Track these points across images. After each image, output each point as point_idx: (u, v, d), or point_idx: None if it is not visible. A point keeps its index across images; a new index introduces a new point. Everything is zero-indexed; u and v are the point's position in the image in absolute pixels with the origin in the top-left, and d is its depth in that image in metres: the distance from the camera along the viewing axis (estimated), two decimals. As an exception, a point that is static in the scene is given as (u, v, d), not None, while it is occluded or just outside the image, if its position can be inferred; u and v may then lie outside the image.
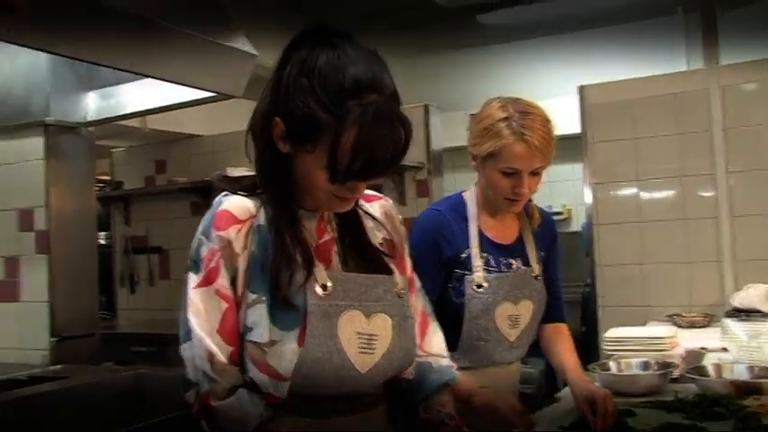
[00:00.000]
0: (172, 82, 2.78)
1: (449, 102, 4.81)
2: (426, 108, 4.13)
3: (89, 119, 3.26)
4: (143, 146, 5.04)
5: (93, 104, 3.28)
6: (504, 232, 1.98)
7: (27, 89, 3.21)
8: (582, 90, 3.57)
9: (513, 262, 1.95)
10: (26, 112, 3.18)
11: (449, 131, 4.43)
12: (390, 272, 1.39)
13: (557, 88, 4.24)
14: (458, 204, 1.97)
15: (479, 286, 1.87)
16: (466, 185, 2.06)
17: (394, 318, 1.35)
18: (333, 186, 1.25)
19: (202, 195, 4.66)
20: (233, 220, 1.29)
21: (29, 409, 2.41)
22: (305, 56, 1.24)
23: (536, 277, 1.97)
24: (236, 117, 3.41)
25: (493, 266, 1.92)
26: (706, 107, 3.28)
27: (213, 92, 2.88)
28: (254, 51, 2.85)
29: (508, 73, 5.16)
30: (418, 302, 1.52)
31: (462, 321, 1.88)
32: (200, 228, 1.31)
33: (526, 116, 1.82)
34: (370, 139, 1.20)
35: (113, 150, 5.05)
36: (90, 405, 2.56)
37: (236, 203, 1.32)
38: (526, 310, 1.94)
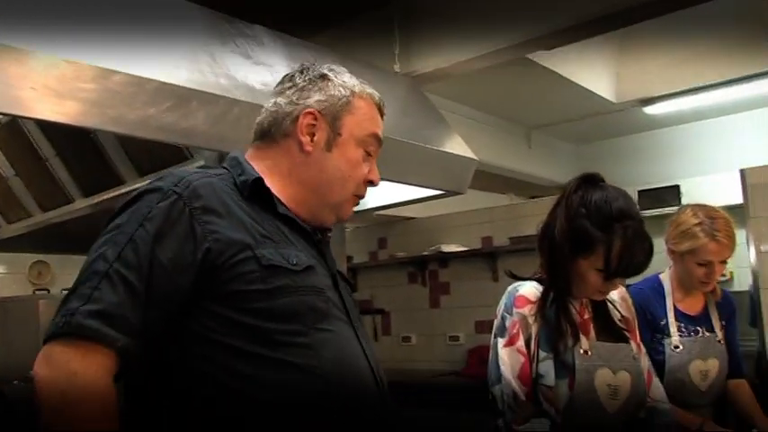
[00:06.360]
0: (413, 185, 3.09)
1: (620, 179, 5.03)
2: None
3: (344, 212, 3.94)
4: (368, 226, 5.48)
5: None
6: (693, 305, 2.33)
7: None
8: (743, 172, 3.78)
9: (700, 329, 2.28)
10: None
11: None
12: (628, 341, 1.75)
13: (712, 165, 4.63)
14: (655, 283, 2.34)
15: (676, 347, 2.23)
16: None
17: (632, 374, 1.70)
18: (601, 283, 1.62)
19: (418, 267, 5.13)
20: (527, 301, 1.68)
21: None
22: (582, 194, 1.65)
23: (719, 341, 2.29)
24: (444, 203, 3.97)
25: (683, 332, 2.26)
26: None
27: (443, 191, 3.22)
28: (473, 156, 3.20)
29: (670, 153, 5.26)
30: (645, 362, 1.83)
31: (663, 374, 2.15)
32: (502, 305, 1.70)
33: (714, 220, 2.17)
34: (632, 250, 1.58)
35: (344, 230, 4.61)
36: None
37: (529, 289, 1.71)
38: (713, 367, 2.25)
